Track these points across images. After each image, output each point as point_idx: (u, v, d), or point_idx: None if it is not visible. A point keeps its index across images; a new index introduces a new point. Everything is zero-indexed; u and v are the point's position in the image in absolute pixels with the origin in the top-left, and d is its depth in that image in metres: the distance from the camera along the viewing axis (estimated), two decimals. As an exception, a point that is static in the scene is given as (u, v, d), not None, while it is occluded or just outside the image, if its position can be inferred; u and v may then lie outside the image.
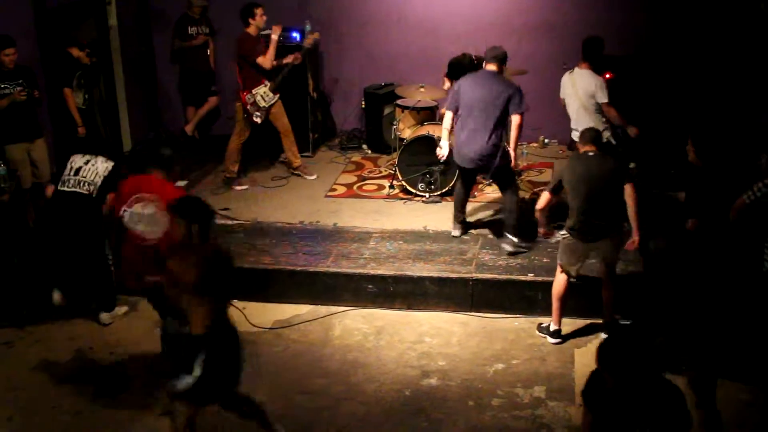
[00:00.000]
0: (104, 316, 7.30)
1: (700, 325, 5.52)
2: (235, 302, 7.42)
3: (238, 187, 9.48)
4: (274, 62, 9.16)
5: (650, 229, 6.74)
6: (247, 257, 7.77)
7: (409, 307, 7.44)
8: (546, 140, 10.64)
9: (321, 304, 7.51)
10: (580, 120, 7.66)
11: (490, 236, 8.07)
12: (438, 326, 7.18)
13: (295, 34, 10.22)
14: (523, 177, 9.41)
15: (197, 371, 5.02)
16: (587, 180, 6.38)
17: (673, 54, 9.78)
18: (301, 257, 7.77)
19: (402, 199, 9.06)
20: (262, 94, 9.19)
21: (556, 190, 6.61)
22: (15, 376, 6.60)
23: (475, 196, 8.67)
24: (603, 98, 7.59)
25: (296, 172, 9.72)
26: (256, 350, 6.87)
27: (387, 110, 10.36)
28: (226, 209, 8.74)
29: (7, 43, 7.87)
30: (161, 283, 5.27)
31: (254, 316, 7.35)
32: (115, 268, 6.99)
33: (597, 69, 7.76)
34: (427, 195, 8.93)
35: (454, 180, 8.61)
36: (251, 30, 9.13)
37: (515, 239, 7.66)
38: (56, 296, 7.29)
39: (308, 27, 10.20)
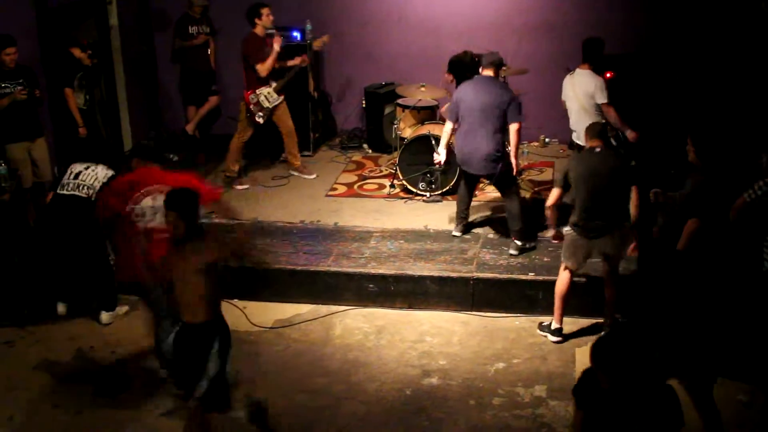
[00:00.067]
0: (105, 316, 7.30)
1: (698, 326, 5.51)
2: (236, 302, 7.48)
3: (239, 187, 9.48)
4: (276, 65, 9.16)
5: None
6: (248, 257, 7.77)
7: (410, 307, 7.44)
8: (547, 139, 10.64)
9: (322, 304, 7.51)
10: (580, 121, 7.65)
11: (491, 235, 8.07)
12: (439, 325, 7.18)
13: (296, 34, 10.23)
14: (523, 176, 9.40)
15: (215, 361, 5.20)
16: (592, 176, 6.38)
17: (674, 53, 9.77)
18: (301, 256, 7.77)
19: (403, 198, 9.06)
20: (266, 94, 9.19)
21: (565, 185, 6.57)
22: (15, 375, 6.61)
23: (475, 196, 8.66)
24: (602, 99, 7.59)
25: (294, 173, 9.72)
26: (256, 350, 6.89)
27: (388, 109, 10.36)
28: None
29: (7, 42, 7.87)
30: (160, 276, 5.30)
31: (255, 315, 7.36)
32: (115, 264, 6.99)
33: (597, 69, 7.77)
34: (427, 194, 8.93)
35: (454, 179, 8.62)
36: (258, 30, 9.13)
37: (520, 243, 7.66)
38: (60, 308, 7.32)
39: (309, 26, 10.21)
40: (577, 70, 7.79)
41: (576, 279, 6.79)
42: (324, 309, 7.46)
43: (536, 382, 6.36)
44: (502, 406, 6.09)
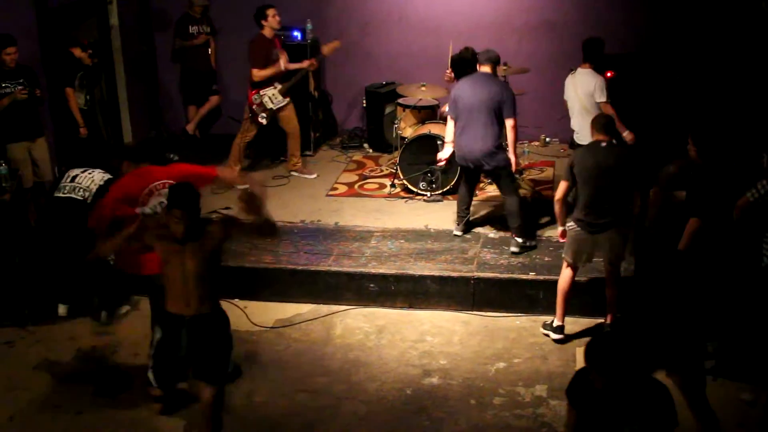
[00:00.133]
0: (105, 316, 7.30)
1: (693, 324, 5.49)
2: (237, 301, 7.48)
3: (239, 186, 9.46)
4: (283, 69, 9.15)
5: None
6: (249, 256, 7.78)
7: (411, 306, 7.44)
8: (547, 139, 10.64)
9: (322, 303, 7.51)
10: (582, 121, 7.66)
11: (492, 235, 8.06)
12: (439, 325, 7.18)
13: (296, 33, 10.23)
14: (524, 176, 9.40)
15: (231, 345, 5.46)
16: (597, 171, 6.36)
17: (674, 53, 9.76)
18: (302, 256, 7.76)
19: (403, 198, 9.06)
20: (271, 95, 9.19)
21: (572, 177, 6.55)
22: (16, 375, 6.60)
23: (476, 195, 8.66)
24: (601, 97, 7.59)
25: (295, 173, 9.72)
26: (257, 349, 6.89)
27: (388, 109, 10.36)
28: (227, 208, 8.73)
29: (8, 42, 7.87)
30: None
31: (256, 315, 7.35)
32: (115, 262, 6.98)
33: (598, 69, 7.77)
34: (428, 194, 8.93)
35: (455, 179, 8.61)
36: (266, 32, 9.14)
37: (520, 240, 7.66)
38: (61, 309, 7.32)
39: (309, 26, 10.22)
40: (579, 70, 7.79)
41: (577, 279, 6.77)
42: (325, 309, 7.45)
43: (537, 381, 6.35)
44: (502, 406, 6.09)
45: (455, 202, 8.18)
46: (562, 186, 6.61)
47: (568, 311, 6.81)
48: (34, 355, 6.87)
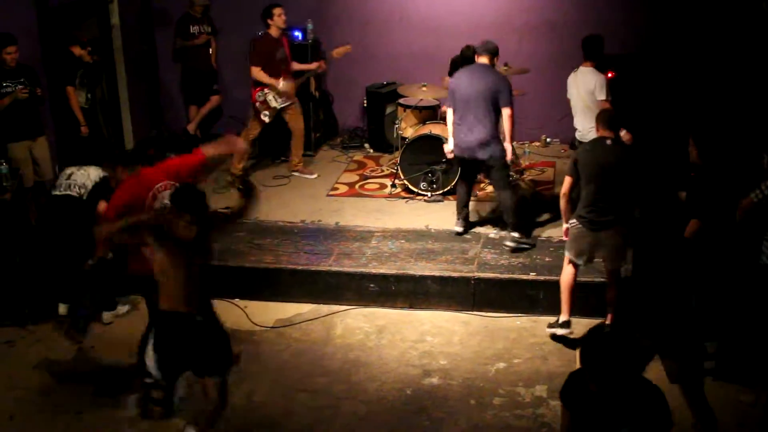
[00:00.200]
0: (106, 315, 7.30)
1: (691, 321, 5.48)
2: (237, 301, 7.49)
3: (240, 186, 9.46)
4: (279, 89, 9.15)
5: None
6: (249, 256, 7.78)
7: (411, 306, 7.44)
8: (548, 139, 10.63)
9: (323, 303, 7.51)
10: (584, 119, 7.66)
11: (492, 235, 8.06)
12: (440, 325, 7.18)
13: (297, 33, 10.23)
14: (524, 176, 9.40)
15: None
16: (601, 168, 6.35)
17: (675, 53, 9.76)
18: (302, 256, 7.77)
19: (404, 198, 9.06)
20: (275, 94, 9.19)
21: (576, 174, 6.52)
22: (16, 375, 6.61)
23: (476, 195, 8.67)
24: (601, 95, 7.59)
25: (295, 172, 9.72)
26: (257, 349, 6.89)
27: (389, 109, 10.37)
28: (227, 208, 8.72)
29: (8, 41, 7.88)
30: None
31: (256, 315, 7.36)
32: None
33: (600, 67, 7.77)
34: (429, 194, 8.93)
35: (455, 179, 8.61)
36: (272, 31, 9.15)
37: (516, 234, 7.66)
38: (61, 308, 7.32)
39: (310, 26, 10.22)
40: (581, 69, 7.79)
41: (577, 279, 6.77)
42: (325, 308, 7.45)
43: (537, 382, 6.35)
44: (502, 406, 6.09)
45: (456, 202, 8.18)
46: (567, 181, 6.59)
47: (573, 307, 6.79)
48: (34, 354, 6.88)
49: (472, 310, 7.34)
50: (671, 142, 7.72)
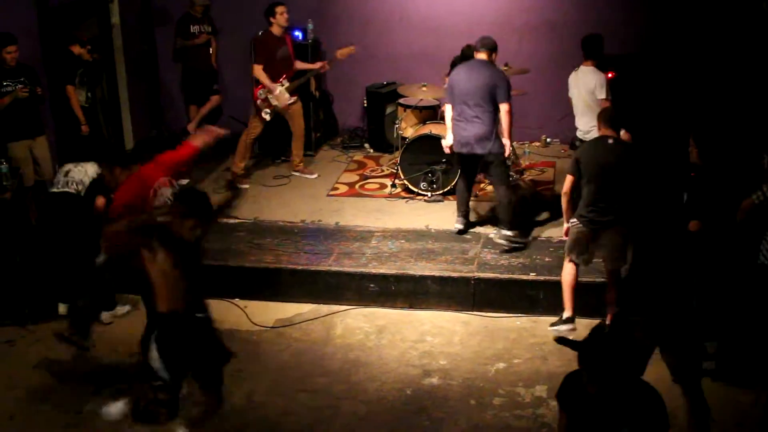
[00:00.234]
0: (105, 315, 7.30)
1: (686, 308, 5.45)
2: (237, 301, 7.49)
3: (241, 185, 9.46)
4: (275, 92, 9.16)
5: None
6: (249, 256, 7.78)
7: (411, 306, 7.44)
8: (548, 139, 10.63)
9: (323, 303, 7.51)
10: (585, 118, 7.67)
11: (492, 235, 8.05)
12: (440, 325, 7.18)
13: (297, 33, 10.23)
14: (524, 176, 9.40)
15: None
16: (602, 167, 6.35)
17: (675, 53, 9.76)
18: (302, 256, 7.77)
19: (404, 198, 9.06)
20: (277, 93, 9.19)
21: (577, 172, 6.52)
22: (16, 374, 6.61)
23: (477, 195, 8.67)
24: (601, 94, 7.59)
25: (296, 172, 9.72)
26: (257, 349, 6.89)
27: (389, 109, 10.37)
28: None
29: (8, 40, 7.88)
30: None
31: (256, 314, 7.36)
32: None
33: (601, 66, 7.77)
34: (429, 194, 8.93)
35: (456, 179, 8.61)
36: (274, 29, 9.16)
37: (510, 233, 7.65)
38: (61, 308, 7.33)
39: (310, 26, 10.22)
40: (581, 68, 7.80)
41: (578, 279, 6.77)
42: (325, 308, 7.45)
43: (537, 382, 6.35)
44: (502, 406, 6.09)
45: (456, 202, 8.18)
46: (568, 180, 6.59)
47: (576, 303, 6.79)
48: (34, 354, 6.88)
49: (472, 310, 7.34)
50: (671, 142, 7.72)
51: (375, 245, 7.92)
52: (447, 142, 7.93)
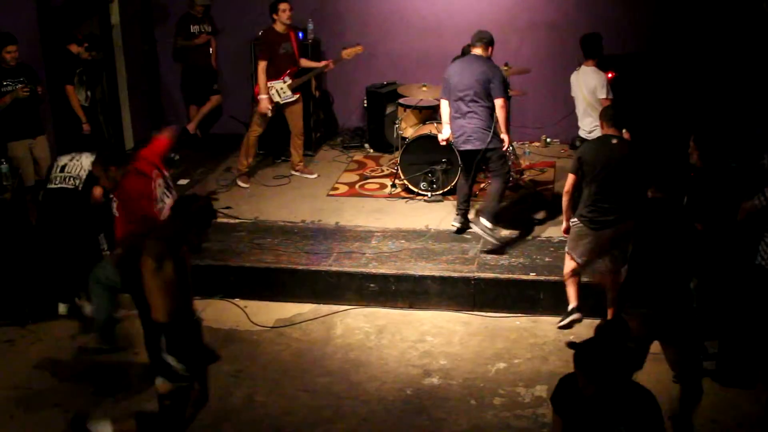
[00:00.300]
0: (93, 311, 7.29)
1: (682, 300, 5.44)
2: (237, 301, 7.49)
3: (242, 184, 9.47)
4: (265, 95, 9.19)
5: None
6: (249, 256, 7.78)
7: (411, 306, 7.43)
8: (548, 139, 10.63)
9: (323, 303, 7.51)
10: (588, 119, 7.67)
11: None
12: (440, 325, 7.18)
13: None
14: (524, 176, 9.40)
15: None
16: (605, 166, 6.33)
17: (676, 53, 9.76)
18: (303, 256, 7.76)
19: (404, 198, 9.06)
20: (279, 89, 9.19)
21: (579, 171, 6.50)
22: (16, 374, 6.60)
23: (476, 195, 8.66)
24: (602, 94, 7.59)
25: (296, 172, 9.72)
26: (257, 349, 6.88)
27: (389, 109, 10.36)
28: (227, 208, 8.75)
29: (8, 40, 7.89)
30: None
31: (256, 314, 7.35)
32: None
33: (602, 65, 7.77)
34: (429, 194, 8.93)
35: (456, 179, 8.61)
36: (276, 26, 9.16)
37: (488, 224, 7.63)
38: (61, 308, 7.32)
39: (311, 26, 10.22)
40: (582, 68, 7.79)
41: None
42: (325, 308, 7.45)
43: (537, 382, 6.35)
44: (503, 406, 6.09)
45: (456, 202, 8.19)
46: (570, 179, 6.57)
47: (580, 295, 6.79)
48: (34, 353, 6.87)
49: (473, 310, 7.34)
50: (672, 142, 7.72)
51: (375, 245, 7.92)
52: (443, 136, 7.94)
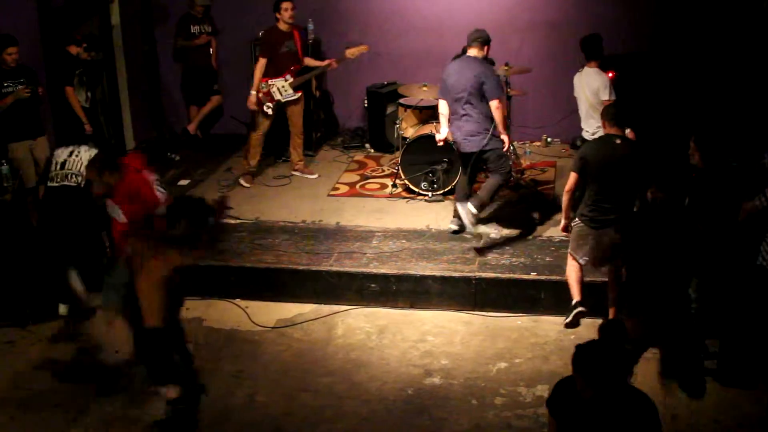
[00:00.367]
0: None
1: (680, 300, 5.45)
2: (238, 301, 7.48)
3: (243, 183, 9.47)
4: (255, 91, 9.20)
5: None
6: (250, 256, 7.77)
7: (412, 306, 7.43)
8: (549, 139, 10.62)
9: (324, 303, 7.50)
10: (591, 120, 7.67)
11: (494, 235, 8.04)
12: (441, 325, 7.17)
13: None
14: (525, 176, 9.39)
15: None
16: (607, 166, 6.32)
17: (676, 53, 9.76)
18: (303, 256, 7.76)
19: (405, 198, 9.06)
20: (280, 87, 9.19)
21: (581, 170, 6.48)
22: (17, 375, 6.60)
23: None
24: (605, 95, 7.58)
25: (296, 172, 9.72)
26: (258, 349, 6.88)
27: (390, 109, 10.36)
28: (228, 209, 8.73)
29: (9, 42, 7.88)
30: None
31: (257, 315, 7.35)
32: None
33: (604, 66, 7.76)
34: (429, 194, 8.92)
35: (456, 179, 8.61)
36: (279, 25, 9.17)
37: (474, 210, 7.60)
38: (62, 309, 7.32)
39: (311, 26, 10.21)
40: (585, 69, 7.79)
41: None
42: (326, 309, 7.45)
43: (538, 381, 6.35)
44: (504, 406, 6.08)
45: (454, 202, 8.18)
46: (572, 178, 6.54)
47: (584, 291, 6.77)
48: (35, 354, 6.87)
49: (474, 310, 7.33)
50: (672, 142, 7.72)
51: (376, 245, 7.92)
52: (440, 136, 7.94)
